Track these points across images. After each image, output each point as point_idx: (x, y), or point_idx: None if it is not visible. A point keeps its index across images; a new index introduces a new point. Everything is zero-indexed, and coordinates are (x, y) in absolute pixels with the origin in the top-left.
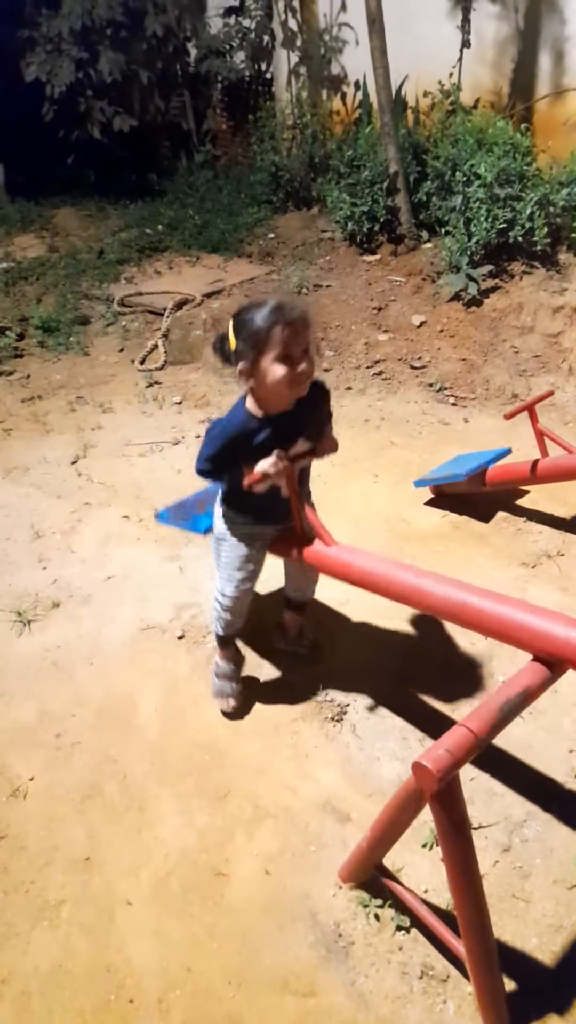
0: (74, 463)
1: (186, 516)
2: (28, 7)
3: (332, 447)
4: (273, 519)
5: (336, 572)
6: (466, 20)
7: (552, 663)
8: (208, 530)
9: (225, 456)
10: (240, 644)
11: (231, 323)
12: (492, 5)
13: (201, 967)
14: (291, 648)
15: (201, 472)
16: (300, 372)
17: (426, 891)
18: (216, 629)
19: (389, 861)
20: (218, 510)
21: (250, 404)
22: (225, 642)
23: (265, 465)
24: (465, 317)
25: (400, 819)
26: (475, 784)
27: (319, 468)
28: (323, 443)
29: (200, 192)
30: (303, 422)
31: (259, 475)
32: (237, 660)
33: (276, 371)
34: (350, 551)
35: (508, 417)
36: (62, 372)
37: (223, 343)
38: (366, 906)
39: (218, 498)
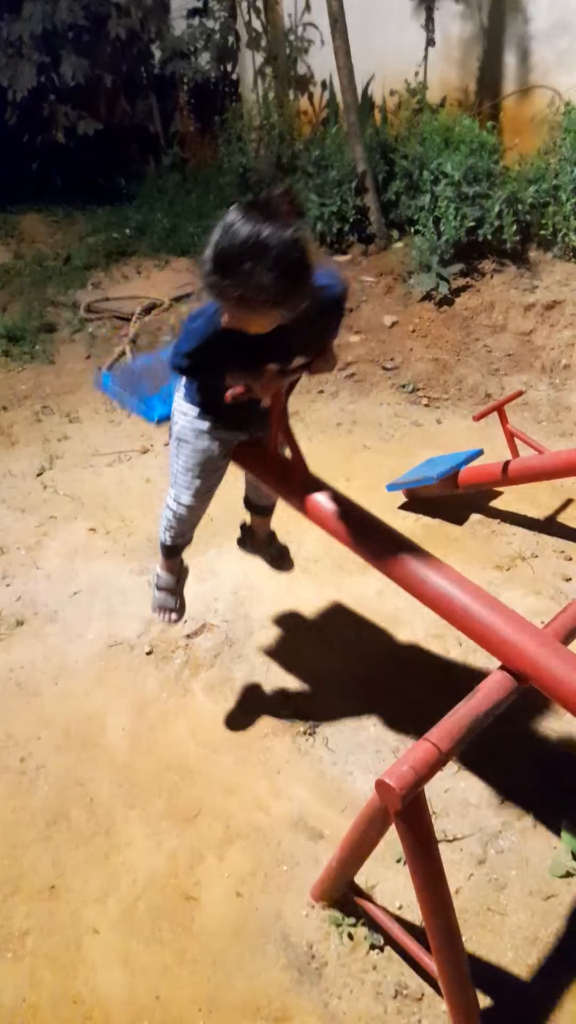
0: (39, 475)
1: (134, 388)
2: None
3: (328, 366)
4: (244, 425)
5: (299, 507)
6: (430, 19)
7: (519, 675)
8: (162, 421)
9: (207, 354)
10: (210, 656)
11: (214, 243)
12: (456, 5)
13: (171, 995)
14: (258, 553)
15: (176, 368)
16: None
17: (400, 907)
18: (163, 538)
19: (363, 878)
20: (181, 405)
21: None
22: (172, 552)
23: (254, 385)
24: (437, 316)
25: (367, 837)
26: (449, 796)
27: None
28: (319, 360)
29: (169, 195)
30: (304, 327)
31: (242, 389)
32: (182, 571)
33: (248, 317)
34: (326, 494)
35: (477, 418)
36: (27, 382)
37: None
38: (339, 925)
39: (180, 392)
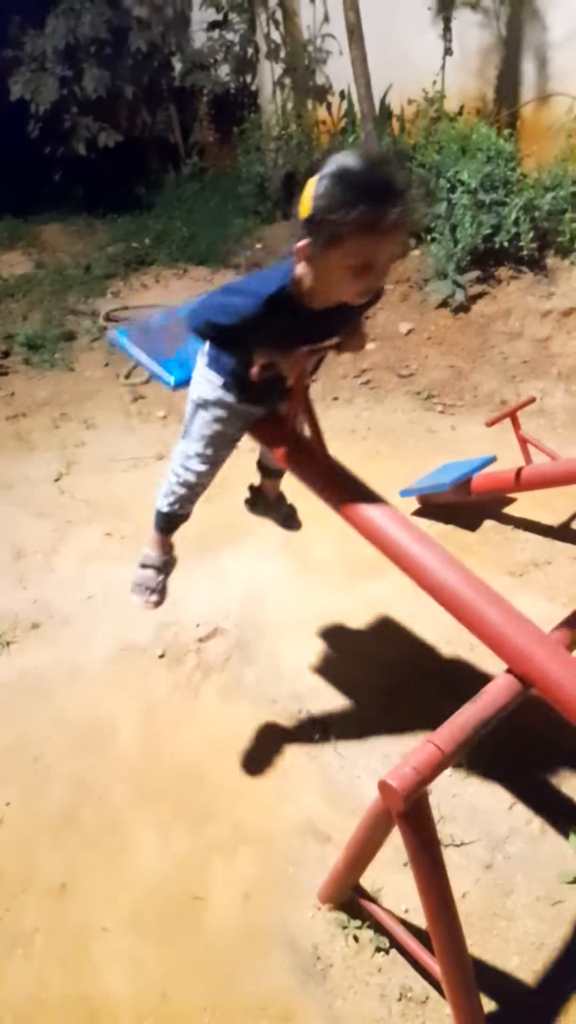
0: (57, 480)
1: (151, 347)
2: (13, 28)
3: (358, 346)
4: (268, 399)
5: (321, 494)
6: (447, 29)
7: (525, 680)
8: (179, 386)
9: (239, 333)
10: (221, 659)
11: (316, 184)
12: (474, 14)
13: (177, 994)
14: (268, 515)
15: (200, 334)
16: (373, 283)
17: (406, 911)
18: (161, 505)
19: (369, 881)
20: (205, 372)
21: (298, 281)
22: (168, 523)
23: (282, 363)
24: (453, 324)
25: (372, 839)
26: (457, 800)
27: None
28: (349, 340)
29: (188, 204)
30: (341, 318)
31: (268, 366)
32: (172, 555)
33: (346, 280)
34: (345, 478)
35: (490, 424)
36: (46, 389)
37: (291, 197)
38: (345, 927)
39: (202, 358)
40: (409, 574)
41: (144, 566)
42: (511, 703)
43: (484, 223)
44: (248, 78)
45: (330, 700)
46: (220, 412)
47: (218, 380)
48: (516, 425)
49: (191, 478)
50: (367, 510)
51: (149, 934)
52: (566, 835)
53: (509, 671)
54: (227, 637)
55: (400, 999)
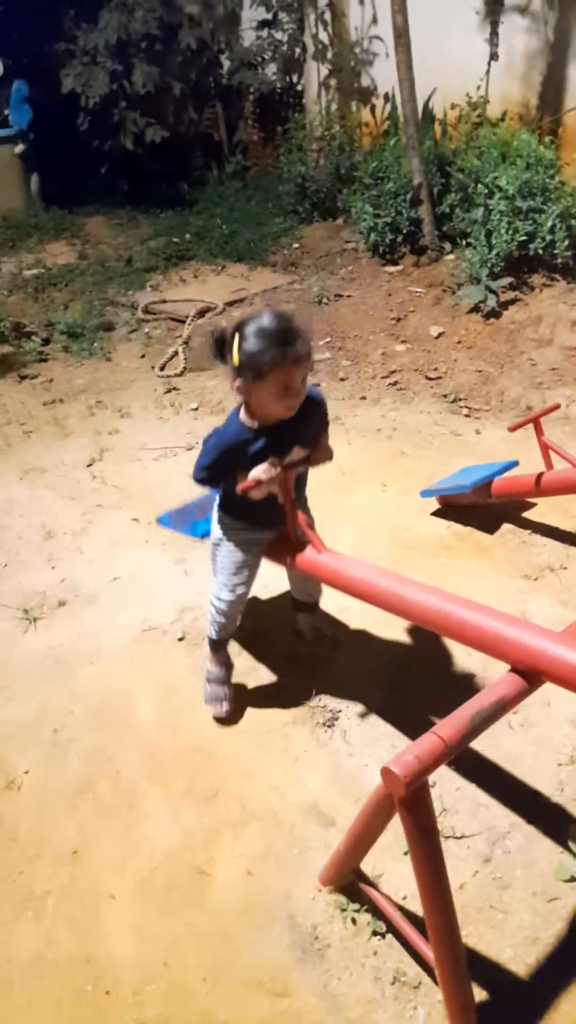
0: (89, 466)
1: (186, 521)
2: (67, 21)
3: (326, 457)
4: (268, 524)
5: (326, 578)
6: (494, 33)
7: (529, 674)
8: (205, 535)
9: (220, 465)
10: (236, 648)
11: (236, 337)
12: (522, 19)
13: (178, 963)
14: (313, 651)
15: (198, 480)
16: (293, 399)
17: (404, 898)
18: (210, 633)
19: (370, 867)
20: (215, 515)
21: (243, 416)
22: (218, 646)
23: (258, 472)
24: (483, 329)
25: (373, 824)
26: (460, 794)
27: (327, 476)
28: (317, 452)
29: (229, 202)
30: (298, 430)
31: (252, 482)
32: (228, 665)
33: (275, 401)
34: (339, 558)
35: (512, 429)
36: (84, 377)
37: (222, 347)
38: (344, 910)
39: (215, 504)
40: (413, 618)
41: (210, 681)
42: (516, 700)
43: (520, 229)
44: (294, 78)
45: (341, 690)
46: (230, 544)
47: (227, 519)
48: (539, 431)
49: (223, 607)
50: (363, 576)
51: (155, 903)
52: (566, 834)
53: (513, 670)
54: (244, 625)
55: (394, 982)
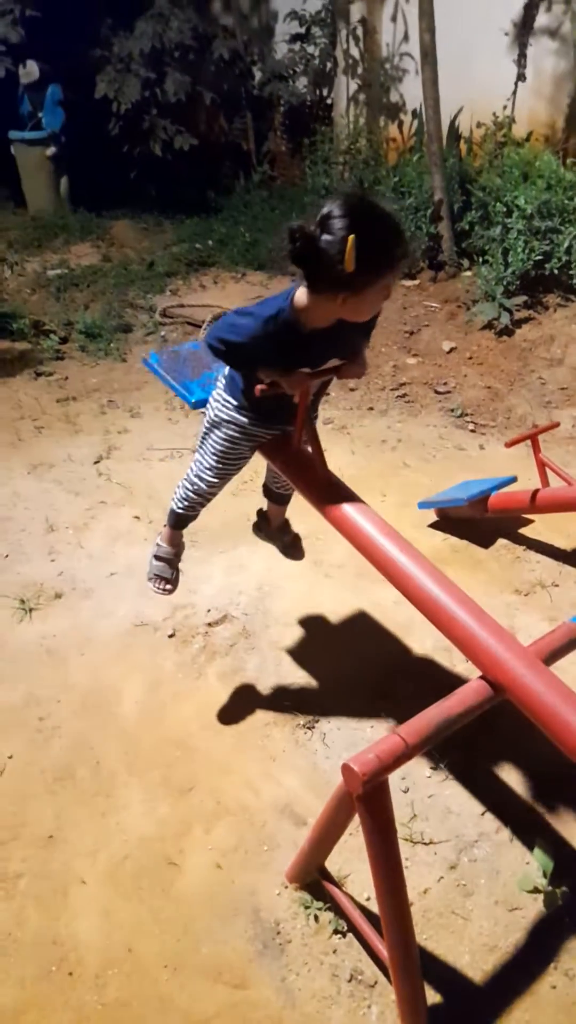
0: (96, 463)
1: (178, 371)
2: (104, 29)
3: (357, 372)
4: (276, 421)
5: (316, 504)
6: (522, 55)
7: (497, 686)
8: (199, 405)
9: (250, 352)
10: (219, 644)
11: (354, 243)
12: (552, 41)
13: (142, 948)
14: (272, 541)
15: (214, 350)
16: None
17: (368, 899)
18: (175, 506)
19: (337, 866)
20: (222, 394)
21: (300, 307)
22: (180, 524)
23: (287, 382)
24: (495, 346)
25: (335, 821)
26: (432, 801)
27: None
28: (348, 366)
29: (253, 211)
30: (341, 338)
31: (269, 386)
32: (181, 547)
33: (369, 306)
34: (338, 490)
35: (509, 445)
36: (98, 376)
37: (313, 249)
38: (307, 907)
39: (221, 382)
40: (391, 579)
41: (158, 558)
42: (480, 707)
43: (536, 249)
44: (324, 91)
45: (324, 692)
46: (232, 432)
47: (233, 402)
48: (536, 448)
49: (203, 487)
50: (357, 519)
51: (123, 890)
52: (532, 846)
53: (483, 677)
54: (235, 624)
55: (351, 980)
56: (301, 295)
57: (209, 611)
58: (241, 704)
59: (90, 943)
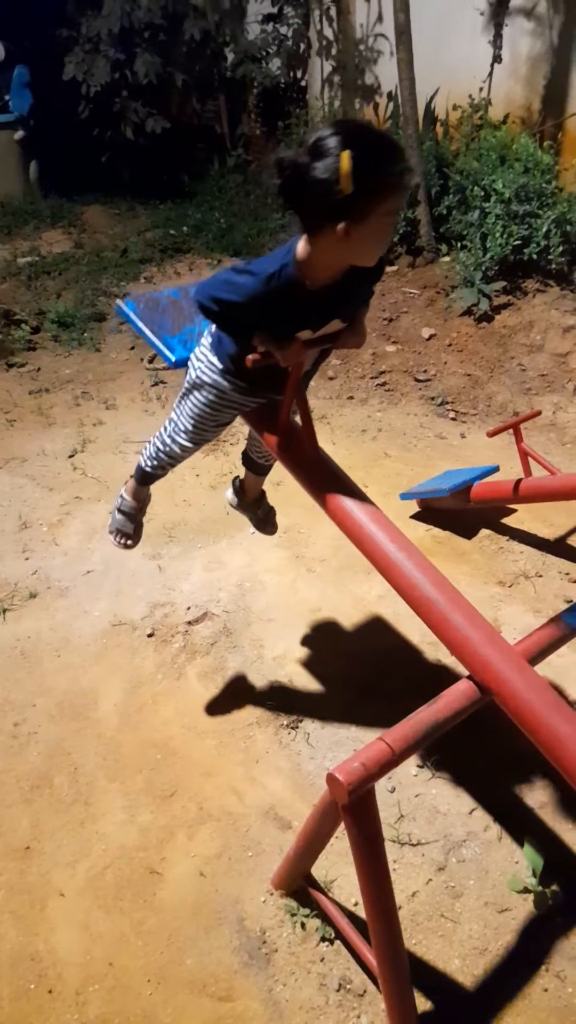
0: (71, 457)
1: (157, 322)
2: (70, 7)
3: (357, 341)
4: (265, 389)
5: (304, 483)
6: (498, 36)
7: (484, 688)
8: (180, 364)
9: (245, 314)
10: (201, 643)
11: (348, 160)
12: (527, 22)
13: (123, 962)
14: (246, 513)
15: (205, 310)
16: (389, 241)
17: (355, 904)
18: (143, 463)
19: (323, 872)
20: (204, 355)
21: (302, 259)
22: (145, 480)
23: (281, 352)
24: (475, 332)
25: (321, 829)
26: (419, 801)
27: None
28: (347, 335)
29: (228, 196)
30: (347, 292)
31: (262, 355)
32: (145, 501)
33: (373, 243)
34: (330, 470)
35: (491, 434)
36: (72, 367)
37: (303, 174)
38: (294, 915)
39: (206, 339)
40: (382, 571)
41: (120, 511)
42: (467, 709)
43: (515, 234)
44: (298, 73)
45: (307, 691)
46: (213, 397)
47: (218, 365)
48: (519, 437)
49: (175, 450)
50: (348, 504)
51: (104, 902)
52: (521, 844)
53: (470, 678)
54: (215, 622)
55: (339, 989)
56: (302, 245)
57: (189, 609)
58: (223, 704)
59: (70, 958)
